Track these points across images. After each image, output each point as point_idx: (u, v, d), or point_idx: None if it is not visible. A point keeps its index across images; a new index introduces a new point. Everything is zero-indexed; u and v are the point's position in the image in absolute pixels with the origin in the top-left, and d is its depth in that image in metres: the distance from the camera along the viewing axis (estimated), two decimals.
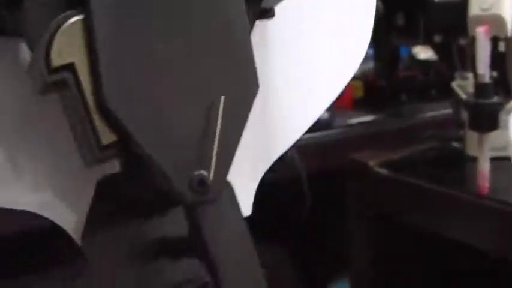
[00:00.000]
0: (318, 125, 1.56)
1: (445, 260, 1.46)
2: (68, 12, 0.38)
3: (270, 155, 0.56)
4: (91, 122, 0.38)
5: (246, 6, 0.42)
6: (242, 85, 0.41)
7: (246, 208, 0.56)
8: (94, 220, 0.43)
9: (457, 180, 1.32)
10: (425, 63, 1.85)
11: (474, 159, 1.30)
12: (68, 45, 0.38)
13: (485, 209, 1.19)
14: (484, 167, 1.17)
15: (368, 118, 1.65)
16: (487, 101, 1.14)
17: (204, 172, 0.40)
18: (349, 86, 1.75)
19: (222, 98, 0.40)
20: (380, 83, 1.72)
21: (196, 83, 0.40)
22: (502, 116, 1.19)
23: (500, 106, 1.16)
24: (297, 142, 1.50)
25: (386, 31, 1.70)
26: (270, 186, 1.54)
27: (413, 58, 1.89)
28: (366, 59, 1.94)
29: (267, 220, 1.74)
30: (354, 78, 1.81)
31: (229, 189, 0.45)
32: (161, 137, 0.39)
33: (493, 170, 1.19)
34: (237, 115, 0.41)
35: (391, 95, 1.72)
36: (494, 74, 1.19)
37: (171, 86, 0.39)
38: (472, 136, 1.31)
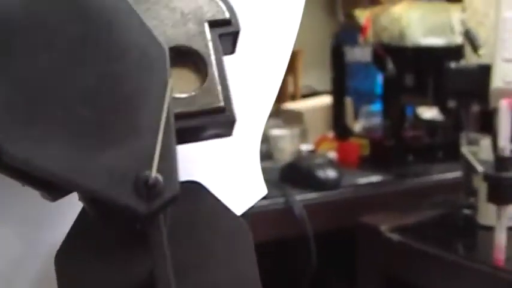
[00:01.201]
0: (326, 184, 1.56)
1: None
2: None
3: (261, 117, 0.50)
4: None
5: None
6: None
7: (261, 188, 0.49)
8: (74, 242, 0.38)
9: (469, 249, 1.32)
10: (431, 123, 1.86)
11: (486, 228, 1.30)
12: None
13: (500, 279, 1.19)
14: (501, 238, 1.17)
15: (375, 178, 1.65)
16: (507, 174, 1.14)
17: (147, 172, 0.33)
18: (356, 145, 1.76)
19: (170, 82, 0.34)
20: (387, 142, 1.73)
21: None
22: None
23: None
24: (305, 200, 1.49)
25: (396, 91, 1.71)
26: (276, 244, 1.52)
27: (417, 117, 1.90)
28: (371, 115, 1.94)
29: (273, 279, 1.72)
30: (361, 136, 1.82)
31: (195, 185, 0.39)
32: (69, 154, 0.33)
33: (507, 239, 1.19)
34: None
35: (397, 155, 1.72)
36: None
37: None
38: (484, 206, 1.31)
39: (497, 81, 1.18)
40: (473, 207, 1.39)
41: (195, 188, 0.39)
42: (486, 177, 1.18)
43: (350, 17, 1.95)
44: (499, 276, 1.19)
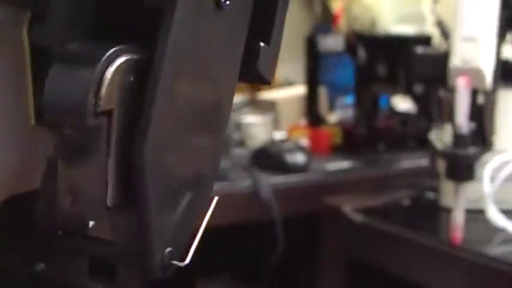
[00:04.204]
0: (294, 168, 1.57)
1: None
2: (118, 48, 0.36)
3: None
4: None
5: None
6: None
7: None
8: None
9: (430, 230, 1.33)
10: (404, 115, 1.87)
11: (447, 210, 1.31)
12: (114, 87, 0.35)
13: (458, 258, 1.20)
14: (459, 217, 1.18)
15: (345, 164, 1.66)
16: (465, 151, 1.15)
17: (173, 251, 0.40)
18: (327, 132, 1.77)
19: (216, 198, 0.41)
20: (359, 130, 1.73)
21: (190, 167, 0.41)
22: (477, 169, 1.20)
23: (476, 157, 1.17)
24: (274, 185, 1.49)
25: (368, 80, 1.72)
26: (243, 227, 1.53)
27: (392, 109, 1.91)
28: (346, 107, 1.95)
29: (239, 261, 1.73)
30: (333, 124, 1.82)
31: None
32: (163, 211, 0.39)
33: (466, 221, 1.20)
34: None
35: (369, 143, 1.73)
36: (472, 125, 1.20)
37: (184, 162, 0.40)
38: (446, 187, 1.32)
39: (456, 60, 1.19)
40: (437, 190, 1.40)
41: None
42: (444, 154, 1.19)
43: (326, 8, 1.96)
44: (456, 255, 1.20)
